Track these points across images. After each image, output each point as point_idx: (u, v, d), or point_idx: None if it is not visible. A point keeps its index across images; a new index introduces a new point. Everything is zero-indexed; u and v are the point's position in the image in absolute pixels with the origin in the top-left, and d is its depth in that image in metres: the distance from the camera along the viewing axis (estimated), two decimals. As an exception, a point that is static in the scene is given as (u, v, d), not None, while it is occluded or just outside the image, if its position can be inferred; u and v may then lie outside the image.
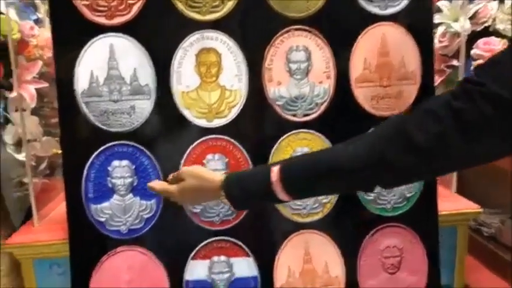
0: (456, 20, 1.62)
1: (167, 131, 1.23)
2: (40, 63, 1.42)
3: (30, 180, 1.30)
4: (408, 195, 1.32)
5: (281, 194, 0.91)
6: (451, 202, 1.42)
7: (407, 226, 1.33)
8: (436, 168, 0.84)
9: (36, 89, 1.39)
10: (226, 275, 1.27)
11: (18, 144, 1.43)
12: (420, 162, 0.79)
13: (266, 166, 0.97)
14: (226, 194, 0.98)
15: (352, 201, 1.31)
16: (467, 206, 1.42)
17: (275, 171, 0.92)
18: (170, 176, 1.12)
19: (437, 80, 1.63)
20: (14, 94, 1.40)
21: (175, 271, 1.26)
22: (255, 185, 0.95)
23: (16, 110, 1.41)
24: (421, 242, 1.34)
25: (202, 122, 1.23)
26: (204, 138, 1.24)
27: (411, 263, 1.34)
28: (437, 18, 1.64)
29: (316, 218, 1.30)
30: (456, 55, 1.65)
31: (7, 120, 1.43)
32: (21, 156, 1.45)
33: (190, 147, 1.24)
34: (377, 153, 0.82)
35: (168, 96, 1.21)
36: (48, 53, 1.39)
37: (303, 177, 0.91)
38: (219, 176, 1.02)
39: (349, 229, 1.32)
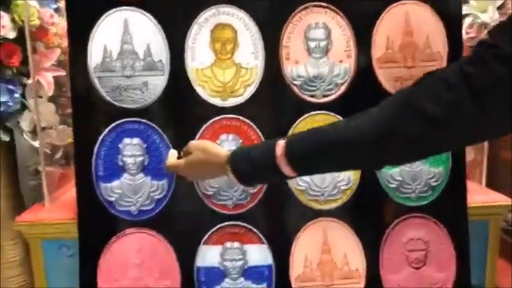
0: (484, 11, 1.55)
1: (180, 109, 1.18)
2: (58, 51, 1.41)
3: (42, 164, 1.27)
4: (434, 184, 1.22)
5: (286, 169, 0.87)
6: (481, 195, 1.31)
7: (433, 217, 1.23)
8: (449, 140, 0.76)
9: (54, 78, 1.37)
10: (240, 263, 1.19)
11: (35, 132, 1.41)
12: (433, 133, 0.73)
13: (272, 140, 0.92)
14: (232, 168, 0.95)
15: (374, 188, 1.22)
16: (500, 199, 1.30)
17: (280, 145, 0.88)
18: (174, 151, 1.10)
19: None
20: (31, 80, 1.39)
21: (186, 256, 1.19)
22: (261, 159, 0.90)
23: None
24: (449, 236, 1.23)
25: (216, 101, 1.18)
26: (217, 118, 1.18)
27: (438, 258, 1.23)
28: (464, 10, 1.56)
29: (335, 205, 1.22)
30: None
31: (24, 107, 1.42)
32: (37, 144, 1.43)
33: (204, 126, 1.18)
34: (388, 126, 0.77)
35: (181, 73, 1.17)
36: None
37: (308, 151, 0.86)
38: (225, 151, 1.00)
39: (370, 218, 1.23)
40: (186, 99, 1.18)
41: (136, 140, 1.17)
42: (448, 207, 1.23)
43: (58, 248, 1.24)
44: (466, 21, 1.57)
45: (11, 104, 1.40)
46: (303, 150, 0.87)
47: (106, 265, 1.17)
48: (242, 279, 1.19)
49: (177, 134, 1.18)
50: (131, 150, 1.17)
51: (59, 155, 1.49)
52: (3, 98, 1.37)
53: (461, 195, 1.23)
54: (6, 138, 1.44)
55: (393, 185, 1.22)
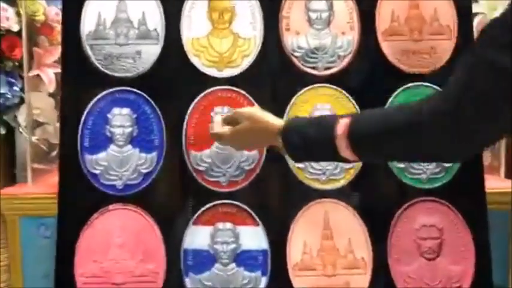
0: (494, 9, 1.50)
1: (174, 79, 1.11)
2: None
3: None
4: (447, 164, 1.10)
5: (345, 151, 0.78)
6: (499, 182, 1.18)
7: (448, 202, 1.09)
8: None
9: (56, 75, 1.34)
10: (232, 246, 1.06)
11: (32, 127, 1.35)
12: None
13: (333, 116, 0.87)
14: (284, 140, 0.86)
15: (381, 167, 1.10)
16: (522, 186, 1.17)
17: (342, 124, 0.78)
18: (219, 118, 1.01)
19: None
20: (34, 72, 1.36)
21: (173, 237, 1.07)
22: (318, 135, 0.81)
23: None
24: (466, 223, 1.09)
25: (212, 71, 1.11)
26: (213, 89, 1.10)
27: (454, 248, 1.08)
28: (474, 9, 1.51)
29: (337, 185, 1.10)
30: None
31: (23, 102, 1.37)
32: (33, 139, 1.37)
33: (198, 97, 1.10)
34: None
35: (176, 42, 1.11)
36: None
37: (373, 134, 0.76)
38: (278, 120, 0.91)
39: (376, 201, 1.10)
40: (180, 69, 1.11)
41: (126, 110, 1.09)
42: (463, 191, 1.10)
43: (36, 228, 1.13)
44: (475, 21, 1.52)
45: (9, 96, 1.36)
46: (369, 132, 0.76)
47: (85, 244, 1.05)
48: (234, 265, 1.06)
49: (169, 105, 1.10)
50: (120, 120, 1.09)
51: (54, 153, 1.42)
52: (3, 90, 1.34)
53: (478, 178, 1.10)
54: (2, 131, 1.39)
55: (401, 165, 1.10)
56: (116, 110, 1.09)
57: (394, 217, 1.08)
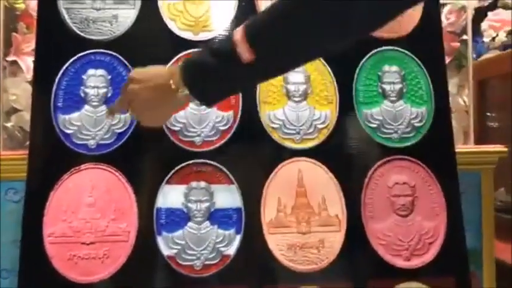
0: (463, -4, 1.54)
1: (149, 42, 1.09)
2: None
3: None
4: (417, 124, 1.10)
5: (246, 53, 0.68)
6: (470, 145, 1.18)
7: (418, 160, 1.08)
8: None
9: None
10: (205, 204, 1.02)
11: (7, 114, 1.31)
12: None
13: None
14: (184, 77, 0.74)
15: (353, 127, 1.09)
16: (491, 148, 1.16)
17: (238, 30, 0.70)
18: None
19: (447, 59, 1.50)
20: (11, 58, 1.33)
21: (146, 196, 1.02)
22: (217, 55, 0.72)
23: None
24: (437, 181, 1.07)
25: (187, 35, 1.10)
26: (188, 51, 1.08)
27: (426, 205, 1.06)
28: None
29: (311, 144, 1.08)
30: (464, 31, 1.54)
31: None
32: (9, 125, 1.32)
33: (173, 59, 1.08)
34: None
35: (152, 5, 1.09)
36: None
37: (271, 26, 0.69)
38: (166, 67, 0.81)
39: (349, 159, 1.08)
40: (156, 33, 1.09)
41: (100, 71, 1.06)
42: (433, 150, 1.08)
43: (5, 193, 1.07)
44: (446, 8, 1.56)
45: None
46: (266, 25, 0.70)
47: (55, 204, 1.00)
48: (208, 223, 1.02)
49: (144, 67, 1.08)
50: (94, 81, 1.06)
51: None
52: None
53: (448, 138, 1.09)
54: None
55: (373, 125, 1.09)
56: (91, 71, 1.06)
57: (367, 175, 1.06)
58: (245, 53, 0.68)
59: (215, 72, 0.72)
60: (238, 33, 0.69)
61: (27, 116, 1.22)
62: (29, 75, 1.33)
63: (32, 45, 1.29)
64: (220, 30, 1.09)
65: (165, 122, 0.96)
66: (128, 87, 0.80)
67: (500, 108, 1.63)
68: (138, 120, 0.86)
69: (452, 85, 1.26)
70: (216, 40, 0.80)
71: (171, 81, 0.75)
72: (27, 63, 1.30)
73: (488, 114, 1.59)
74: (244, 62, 0.69)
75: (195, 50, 0.99)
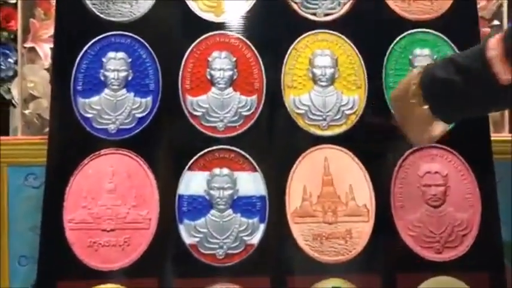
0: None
1: (170, 24, 1.06)
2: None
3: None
4: (450, 111, 1.04)
5: (505, 75, 0.60)
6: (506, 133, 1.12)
7: (451, 148, 1.03)
8: None
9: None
10: (228, 192, 0.99)
11: (25, 101, 1.29)
12: None
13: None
14: (425, 94, 0.68)
15: (383, 114, 1.04)
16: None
17: (492, 44, 0.60)
18: None
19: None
20: (29, 44, 1.31)
21: (168, 183, 0.99)
22: (466, 73, 0.63)
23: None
24: (471, 170, 1.02)
25: (209, 16, 1.06)
26: (210, 34, 1.05)
27: (459, 195, 1.01)
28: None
29: (338, 131, 1.03)
30: (494, 16, 1.47)
31: (17, 75, 1.32)
32: (27, 112, 1.31)
33: (194, 42, 1.04)
34: None
35: (174, -14, 1.06)
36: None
37: None
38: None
39: (379, 147, 1.04)
40: (177, 14, 1.06)
41: (121, 54, 1.03)
42: (468, 138, 1.03)
43: (25, 178, 1.05)
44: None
45: (3, 67, 1.31)
46: None
47: (75, 190, 0.97)
48: (230, 211, 0.98)
49: (165, 49, 1.04)
50: (114, 64, 1.03)
51: (47, 129, 1.36)
52: None
53: (483, 125, 1.04)
54: None
55: (403, 112, 1.03)
56: (111, 54, 1.03)
57: (397, 164, 1.02)
58: (503, 73, 0.60)
59: (463, 93, 0.65)
60: (493, 50, 0.60)
61: (45, 103, 1.20)
62: (47, 63, 1.31)
63: (50, 31, 1.27)
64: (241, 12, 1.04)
65: (429, 140, 0.82)
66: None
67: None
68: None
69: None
70: (462, 54, 0.69)
71: (410, 93, 0.69)
72: (45, 50, 1.28)
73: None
74: (503, 83, 0.60)
75: (428, 65, 0.75)
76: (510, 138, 1.08)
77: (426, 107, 0.68)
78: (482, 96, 0.64)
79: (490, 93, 0.63)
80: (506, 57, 0.59)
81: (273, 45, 1.05)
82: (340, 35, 1.05)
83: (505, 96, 0.63)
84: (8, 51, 1.34)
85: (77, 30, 1.03)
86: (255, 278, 0.94)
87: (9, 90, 1.35)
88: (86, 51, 1.02)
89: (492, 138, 1.03)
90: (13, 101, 1.33)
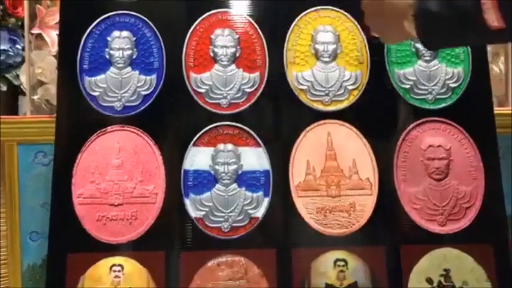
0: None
1: (173, 2, 1.07)
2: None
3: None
4: (453, 85, 1.05)
5: (495, 22, 0.62)
6: (508, 108, 1.12)
7: (454, 122, 1.04)
8: None
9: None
10: (233, 167, 1.01)
11: (34, 87, 1.31)
12: None
13: None
14: (417, 24, 0.69)
15: (385, 89, 1.05)
16: (531, 111, 1.11)
17: None
18: None
19: None
20: (36, 31, 1.33)
21: (173, 158, 1.01)
22: (459, 14, 0.65)
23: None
24: (474, 144, 1.03)
25: (213, -5, 1.07)
26: (212, 12, 1.06)
27: (463, 169, 1.02)
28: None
29: (341, 106, 1.05)
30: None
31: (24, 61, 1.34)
32: (36, 97, 1.33)
33: (198, 20, 1.06)
34: None
35: (176, -33, 1.07)
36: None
37: None
38: None
39: (381, 121, 1.05)
40: (180, -8, 1.07)
41: (125, 33, 1.05)
42: (471, 111, 1.04)
43: (34, 156, 1.08)
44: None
45: (11, 53, 1.33)
46: None
47: (83, 166, 1.00)
48: (235, 185, 1.00)
49: (168, 28, 1.06)
50: (119, 43, 1.05)
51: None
52: (5, 47, 1.31)
53: (486, 98, 1.04)
54: (3, 87, 1.36)
55: (406, 86, 1.05)
56: (116, 33, 1.05)
57: (400, 138, 1.03)
58: (494, 20, 0.62)
59: (452, 29, 0.67)
60: None
61: (53, 89, 1.22)
62: (54, 49, 1.33)
63: (56, 18, 1.29)
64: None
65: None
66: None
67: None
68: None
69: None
70: None
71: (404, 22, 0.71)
72: (52, 36, 1.30)
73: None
74: (491, 29, 0.63)
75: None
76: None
77: (414, 30, 0.70)
78: (469, 36, 0.68)
79: (477, 34, 0.66)
80: (498, 6, 0.61)
81: (275, 22, 1.06)
82: (341, 11, 1.06)
83: (491, 38, 0.68)
84: (16, 38, 1.36)
85: (82, 10, 1.05)
86: (260, 250, 0.96)
87: (17, 77, 1.37)
88: (91, 30, 1.04)
89: (496, 112, 1.03)
90: (22, 87, 1.35)
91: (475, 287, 0.96)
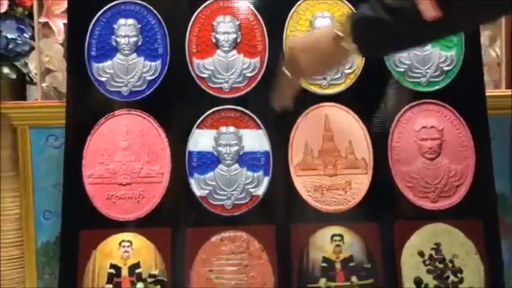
0: None
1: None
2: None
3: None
4: (446, 68, 1.09)
5: (431, 11, 0.66)
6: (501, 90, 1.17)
7: (447, 103, 1.09)
8: None
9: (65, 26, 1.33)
10: (235, 148, 1.06)
11: (42, 75, 1.35)
12: None
13: None
14: (354, 34, 0.73)
15: (380, 72, 1.10)
16: (522, 92, 1.15)
17: None
18: None
19: None
20: (43, 20, 1.36)
21: (178, 140, 1.07)
22: (394, 12, 0.69)
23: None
24: (466, 124, 1.08)
25: (214, -18, 1.11)
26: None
27: (454, 148, 1.07)
28: None
29: (337, 89, 1.09)
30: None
31: (32, 49, 1.38)
32: (44, 85, 1.37)
33: (200, 7, 1.11)
34: None
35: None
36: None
37: None
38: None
39: (376, 104, 1.09)
40: (183, -18, 1.12)
41: (131, 21, 1.10)
42: (462, 93, 1.08)
43: (46, 139, 1.14)
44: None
45: (19, 42, 1.37)
46: None
47: (92, 148, 1.06)
48: (237, 165, 1.06)
49: (172, 15, 1.11)
50: (125, 30, 1.10)
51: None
52: (13, 35, 1.34)
53: (478, 81, 1.09)
54: (13, 75, 1.40)
55: (401, 69, 1.09)
56: (122, 21, 1.10)
57: (395, 119, 1.08)
58: (430, 9, 0.66)
59: (390, 30, 0.71)
60: None
61: (60, 76, 1.27)
62: (61, 37, 1.37)
63: (62, 7, 1.32)
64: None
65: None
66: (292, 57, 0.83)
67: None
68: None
69: (484, 37, 1.22)
70: None
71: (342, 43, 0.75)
72: (59, 25, 1.33)
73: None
74: (429, 19, 0.66)
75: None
76: (504, 93, 1.12)
77: (353, 47, 0.74)
78: (409, 32, 0.71)
79: (416, 28, 0.69)
80: None
81: (274, 9, 1.10)
82: (339, -3, 1.10)
83: (429, 31, 0.70)
84: (23, 27, 1.40)
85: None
86: (261, 226, 1.02)
87: (26, 65, 1.42)
88: (98, 18, 1.09)
89: (489, 94, 1.08)
90: (30, 75, 1.39)
91: (464, 260, 1.01)
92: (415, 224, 1.03)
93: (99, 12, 1.09)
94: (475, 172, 1.05)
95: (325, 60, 0.82)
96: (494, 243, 1.03)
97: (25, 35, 1.39)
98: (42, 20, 1.32)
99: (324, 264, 1.01)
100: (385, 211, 1.04)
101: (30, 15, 1.33)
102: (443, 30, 0.74)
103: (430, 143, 1.05)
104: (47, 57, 1.38)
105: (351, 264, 1.01)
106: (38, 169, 1.13)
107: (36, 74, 1.33)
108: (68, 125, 1.05)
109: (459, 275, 1.01)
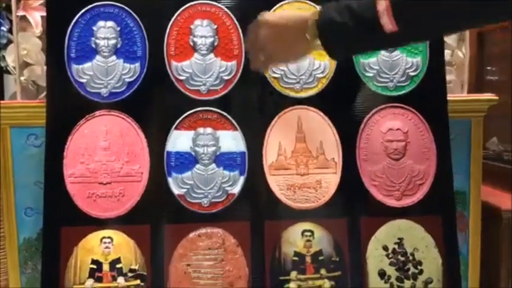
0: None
1: (155, -8, 1.15)
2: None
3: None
4: (412, 73, 1.16)
5: (389, 25, 0.72)
6: (462, 94, 1.25)
7: (412, 107, 1.16)
8: None
9: (42, 19, 1.33)
10: (212, 149, 1.12)
11: (20, 68, 1.36)
12: None
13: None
14: (321, 35, 0.78)
15: (350, 77, 1.16)
16: (481, 96, 1.24)
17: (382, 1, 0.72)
18: None
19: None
20: (20, 13, 1.36)
21: (157, 140, 1.11)
22: (359, 21, 0.75)
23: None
24: (429, 127, 1.16)
25: (194, -13, 1.15)
26: (192, 3, 1.14)
27: (418, 149, 1.15)
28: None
29: (310, 93, 1.15)
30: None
31: (10, 43, 1.38)
32: (22, 79, 1.38)
33: (178, 11, 1.14)
34: None
35: (156, -40, 1.14)
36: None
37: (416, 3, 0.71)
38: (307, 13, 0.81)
39: (346, 107, 1.16)
40: (162, -15, 1.15)
41: (110, 23, 1.13)
42: (426, 98, 1.16)
43: (26, 138, 1.17)
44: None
45: None
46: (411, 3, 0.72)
47: (73, 148, 1.10)
48: (214, 165, 1.11)
49: (150, 18, 1.14)
50: (104, 33, 1.12)
51: (42, 95, 1.44)
52: None
53: (440, 87, 1.16)
54: None
55: (370, 74, 1.16)
56: (101, 23, 1.12)
57: (363, 122, 1.14)
58: (389, 24, 0.72)
59: (354, 36, 0.77)
60: (383, 5, 0.72)
61: (39, 70, 1.28)
62: (38, 30, 1.38)
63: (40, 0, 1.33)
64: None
65: (297, 60, 0.93)
66: (261, 31, 0.85)
67: (499, 62, 1.68)
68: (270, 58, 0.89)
69: (452, 38, 1.29)
70: (357, 2, 0.77)
71: (306, 34, 0.79)
72: (36, 18, 1.33)
73: (488, 68, 1.63)
74: (387, 32, 0.73)
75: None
76: (465, 98, 1.20)
77: (318, 42, 0.80)
78: (370, 40, 0.79)
79: (376, 38, 0.76)
80: (392, 12, 0.71)
81: (251, 14, 1.14)
82: (314, 4, 1.15)
83: (388, 41, 0.78)
84: (1, 20, 1.40)
85: (67, 2, 1.12)
86: (236, 222, 1.09)
87: (3, 58, 1.42)
88: (77, 20, 1.11)
89: (449, 98, 1.15)
90: (8, 68, 1.40)
91: (424, 253, 1.10)
92: (381, 220, 1.11)
93: (78, 15, 1.11)
94: (435, 172, 1.13)
95: (287, 44, 0.85)
96: (452, 237, 1.12)
97: (2, 28, 1.39)
98: (20, 13, 1.32)
99: (295, 258, 1.08)
100: (352, 208, 1.12)
101: (8, 8, 1.33)
102: (403, 41, 0.83)
103: (396, 145, 1.13)
104: (24, 50, 1.38)
105: (320, 257, 1.09)
106: (19, 167, 1.15)
107: (14, 68, 1.34)
108: (48, 126, 1.08)
109: (419, 267, 1.10)
